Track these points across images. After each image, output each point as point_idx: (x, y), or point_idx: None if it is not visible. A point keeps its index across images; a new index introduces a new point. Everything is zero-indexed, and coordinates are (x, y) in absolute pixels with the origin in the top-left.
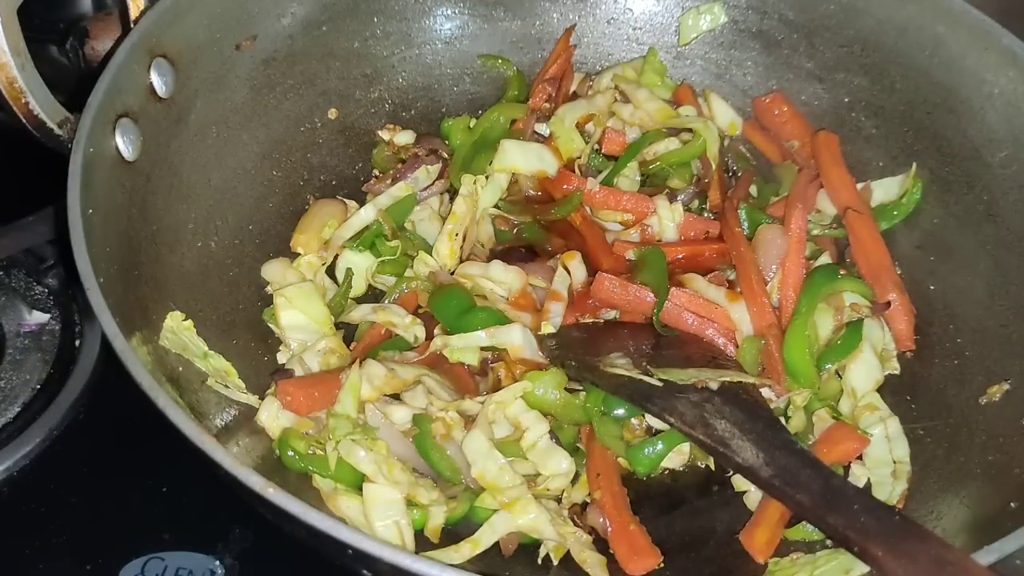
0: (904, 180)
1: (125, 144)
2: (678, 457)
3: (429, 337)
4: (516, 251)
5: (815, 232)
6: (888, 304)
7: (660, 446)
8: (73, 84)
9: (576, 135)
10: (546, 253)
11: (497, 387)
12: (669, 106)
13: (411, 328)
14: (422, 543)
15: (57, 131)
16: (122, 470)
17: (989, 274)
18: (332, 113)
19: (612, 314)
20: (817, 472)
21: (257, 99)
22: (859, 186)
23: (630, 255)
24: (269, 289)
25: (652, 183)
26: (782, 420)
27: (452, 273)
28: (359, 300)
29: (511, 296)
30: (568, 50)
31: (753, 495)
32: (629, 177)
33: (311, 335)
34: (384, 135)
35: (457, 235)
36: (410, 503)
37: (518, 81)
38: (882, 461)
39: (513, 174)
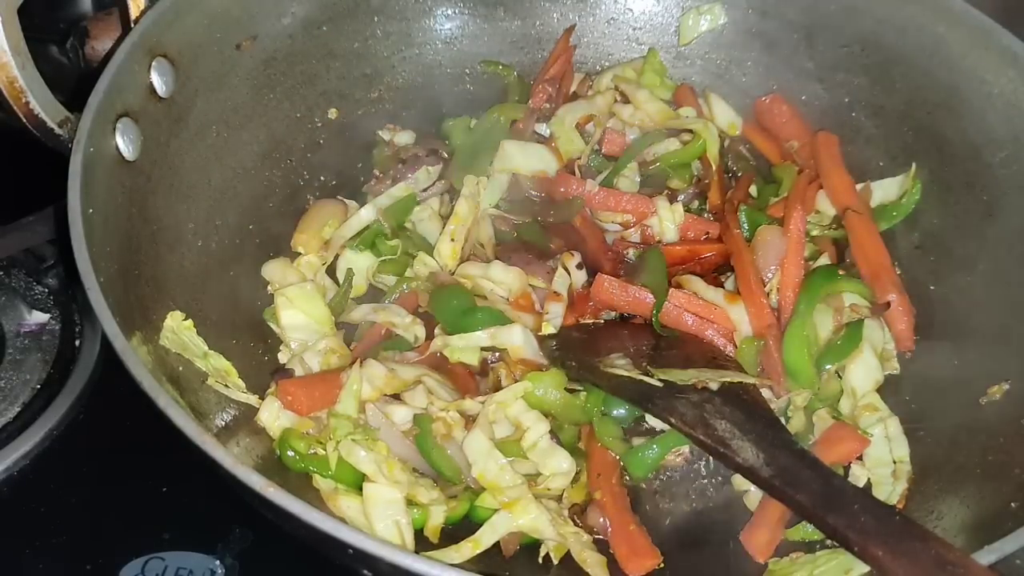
0: (904, 180)
1: (125, 144)
2: (678, 457)
3: (429, 337)
4: (519, 251)
5: (814, 233)
6: (888, 304)
7: (656, 450)
8: (73, 84)
9: (576, 136)
10: (546, 253)
11: (498, 387)
12: (669, 107)
13: (411, 328)
14: (422, 543)
15: (57, 131)
16: (122, 470)
17: (989, 274)
18: (332, 113)
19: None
20: (817, 472)
21: (257, 99)
22: (859, 186)
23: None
24: (270, 289)
25: (652, 184)
26: (782, 420)
27: (452, 273)
28: (359, 300)
29: (511, 297)
30: (568, 50)
31: (753, 495)
32: (629, 178)
33: (311, 335)
34: (384, 135)
35: (458, 236)
36: (410, 503)
37: (518, 86)
38: (882, 461)
39: (513, 174)
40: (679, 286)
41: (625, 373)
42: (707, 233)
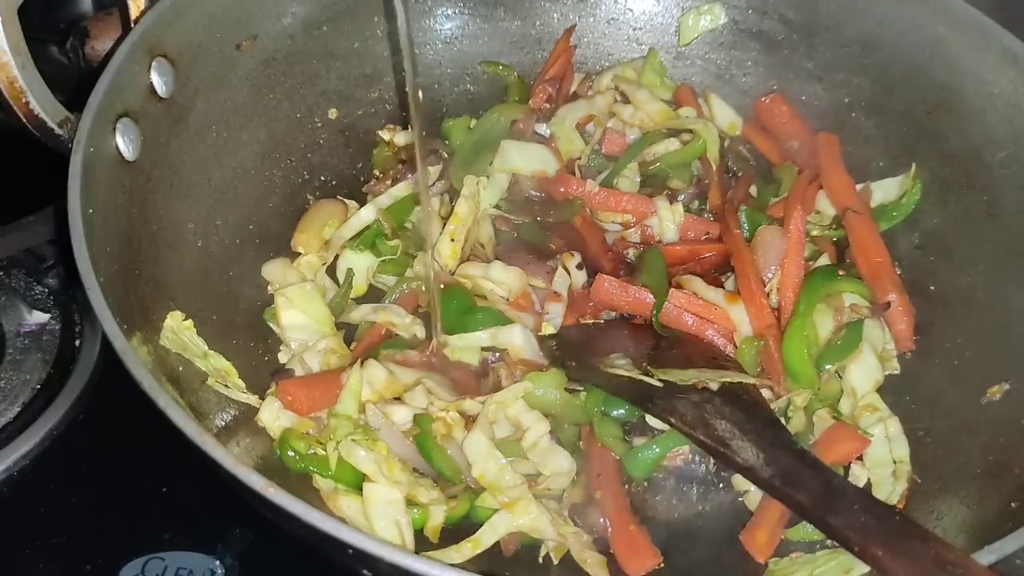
0: (904, 180)
1: (125, 144)
2: (678, 457)
3: (429, 337)
4: (519, 251)
5: (814, 233)
6: (888, 304)
7: (656, 450)
8: (73, 84)
9: (576, 136)
10: (546, 253)
11: (498, 387)
12: (669, 107)
13: (411, 328)
14: (422, 543)
15: (57, 131)
16: (122, 470)
17: (989, 274)
18: (332, 113)
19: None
20: (817, 472)
21: (257, 99)
22: (859, 186)
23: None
24: (270, 289)
25: (652, 184)
26: (782, 420)
27: (452, 273)
28: (359, 300)
29: (511, 297)
30: (568, 50)
31: (753, 495)
32: (629, 178)
33: (312, 335)
34: (384, 135)
35: (458, 236)
36: (410, 503)
37: (518, 87)
38: (882, 461)
39: (513, 174)
40: (679, 286)
41: (625, 373)
42: (707, 233)
